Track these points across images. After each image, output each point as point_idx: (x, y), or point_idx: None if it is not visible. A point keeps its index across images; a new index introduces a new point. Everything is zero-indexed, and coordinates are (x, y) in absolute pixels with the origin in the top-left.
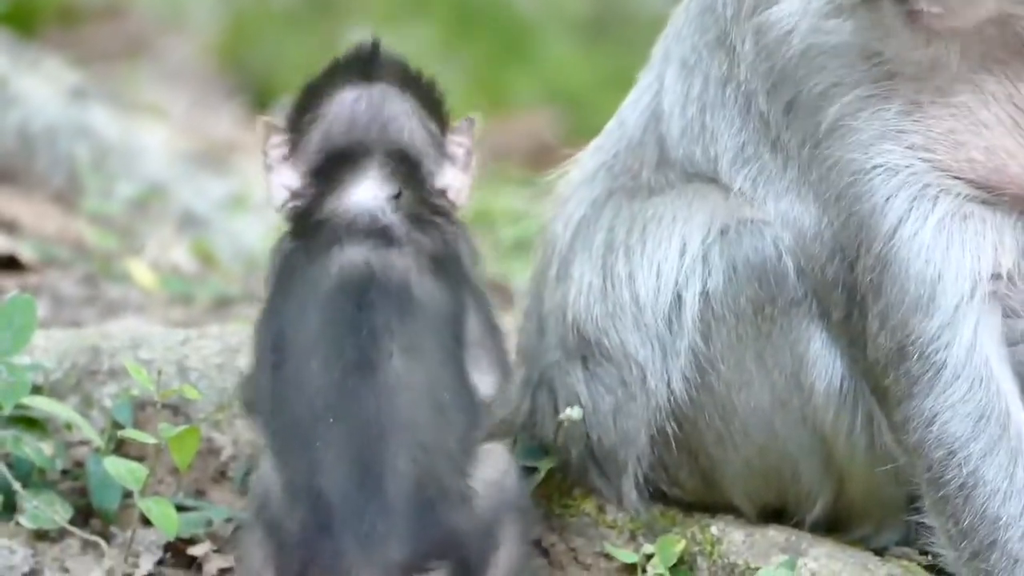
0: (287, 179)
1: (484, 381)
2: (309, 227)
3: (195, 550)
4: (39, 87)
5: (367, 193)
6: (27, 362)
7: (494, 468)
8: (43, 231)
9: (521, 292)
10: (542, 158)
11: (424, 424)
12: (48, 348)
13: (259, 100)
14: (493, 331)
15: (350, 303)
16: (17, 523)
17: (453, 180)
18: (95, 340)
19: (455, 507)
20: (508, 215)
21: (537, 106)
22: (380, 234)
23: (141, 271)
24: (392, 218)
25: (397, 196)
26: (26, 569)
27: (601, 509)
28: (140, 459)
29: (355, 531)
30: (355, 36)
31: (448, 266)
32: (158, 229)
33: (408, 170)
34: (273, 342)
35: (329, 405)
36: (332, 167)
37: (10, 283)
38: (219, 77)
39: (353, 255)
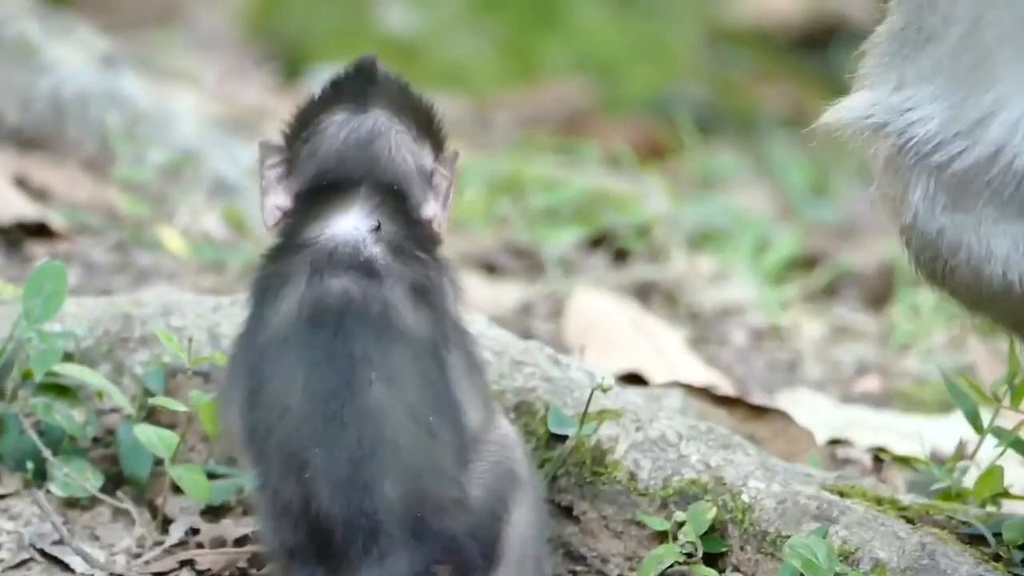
0: (280, 200)
1: (471, 415)
2: (288, 251)
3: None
4: (70, 54)
5: (350, 224)
6: (58, 329)
7: (494, 448)
8: (74, 198)
9: (552, 260)
10: (573, 126)
11: (409, 447)
12: (79, 315)
13: (290, 67)
14: (474, 368)
15: (329, 332)
16: (48, 491)
17: (435, 213)
18: (126, 307)
19: (451, 515)
20: (539, 182)
21: (568, 74)
22: (361, 266)
23: (172, 238)
24: (374, 250)
25: (377, 228)
26: (57, 536)
27: (632, 477)
28: (171, 426)
29: (354, 554)
30: (386, 5)
31: (430, 298)
32: (189, 196)
33: (395, 203)
34: (251, 369)
35: (314, 432)
36: (320, 194)
37: (41, 250)
38: (250, 44)
39: (333, 285)
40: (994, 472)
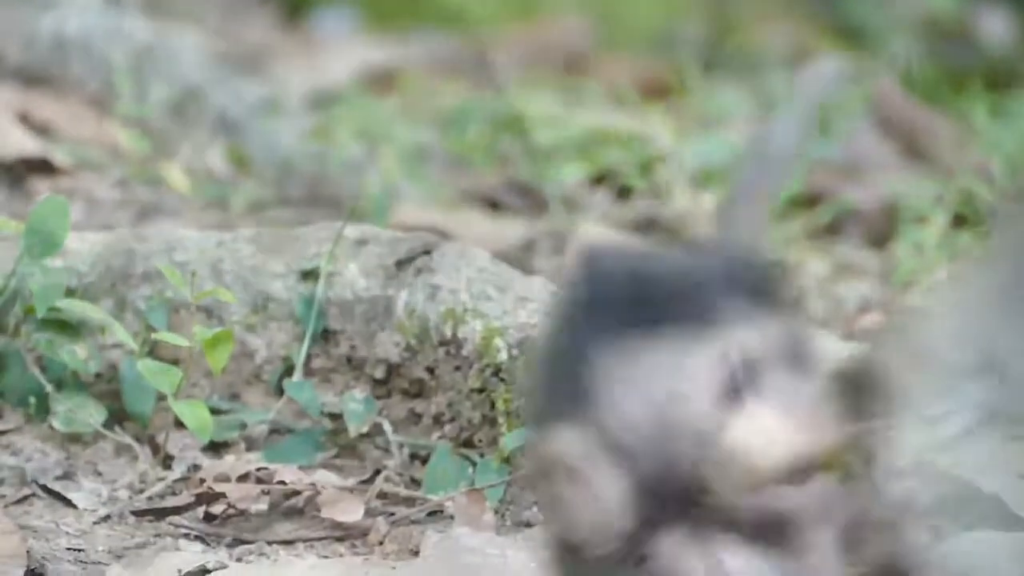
0: None
1: None
2: None
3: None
4: None
5: None
6: (60, 265)
7: None
8: (77, 135)
9: (555, 197)
10: (575, 64)
11: None
12: (81, 251)
13: (292, 6)
14: None
15: None
16: (50, 426)
17: None
18: (129, 243)
19: None
20: (542, 120)
21: (570, 12)
22: None
23: (175, 175)
24: None
25: None
26: (59, 472)
27: None
28: (174, 362)
29: None
30: None
31: None
32: (192, 133)
33: None
34: None
35: None
36: None
37: (43, 186)
38: None
39: None
40: None
